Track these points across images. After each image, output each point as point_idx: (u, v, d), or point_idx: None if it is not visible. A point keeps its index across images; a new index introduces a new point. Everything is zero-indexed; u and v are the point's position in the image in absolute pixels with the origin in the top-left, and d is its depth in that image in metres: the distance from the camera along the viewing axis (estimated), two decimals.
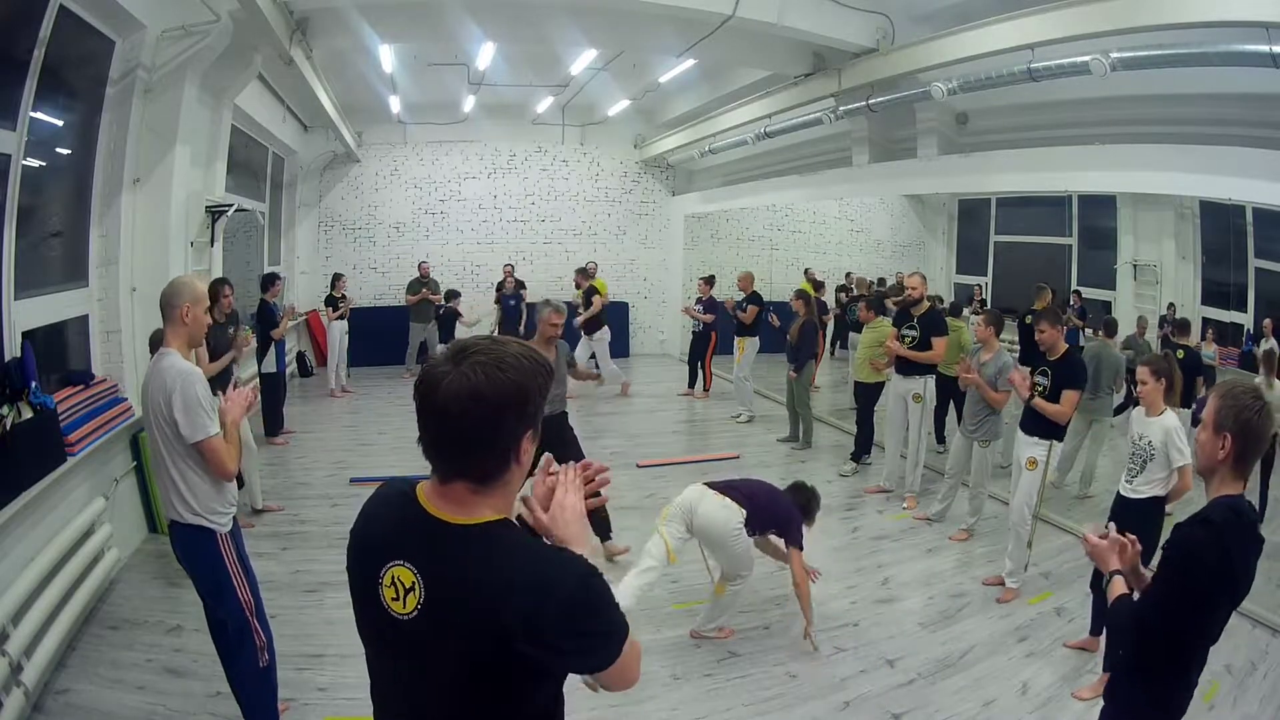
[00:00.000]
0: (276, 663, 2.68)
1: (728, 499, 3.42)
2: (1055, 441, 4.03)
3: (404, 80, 8.68)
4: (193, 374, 2.40)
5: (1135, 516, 3.13)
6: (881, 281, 9.15)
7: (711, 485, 3.52)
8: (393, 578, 1.09)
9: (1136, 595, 1.84)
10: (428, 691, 1.13)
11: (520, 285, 10.02)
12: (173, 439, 2.38)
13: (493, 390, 1.02)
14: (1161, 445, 3.20)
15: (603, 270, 11.50)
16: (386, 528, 1.15)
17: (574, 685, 1.18)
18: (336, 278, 8.79)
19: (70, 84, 3.94)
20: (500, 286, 10.10)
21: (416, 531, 1.09)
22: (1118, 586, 1.83)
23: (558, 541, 1.20)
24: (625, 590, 3.30)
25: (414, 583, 1.07)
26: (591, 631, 1.09)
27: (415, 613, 1.07)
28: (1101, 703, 2.02)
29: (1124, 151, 5.14)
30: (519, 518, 1.24)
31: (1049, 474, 4.07)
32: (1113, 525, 1.98)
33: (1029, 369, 4.22)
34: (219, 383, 4.54)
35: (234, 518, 2.60)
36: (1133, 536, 1.90)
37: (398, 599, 1.08)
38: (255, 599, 2.59)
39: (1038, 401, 3.96)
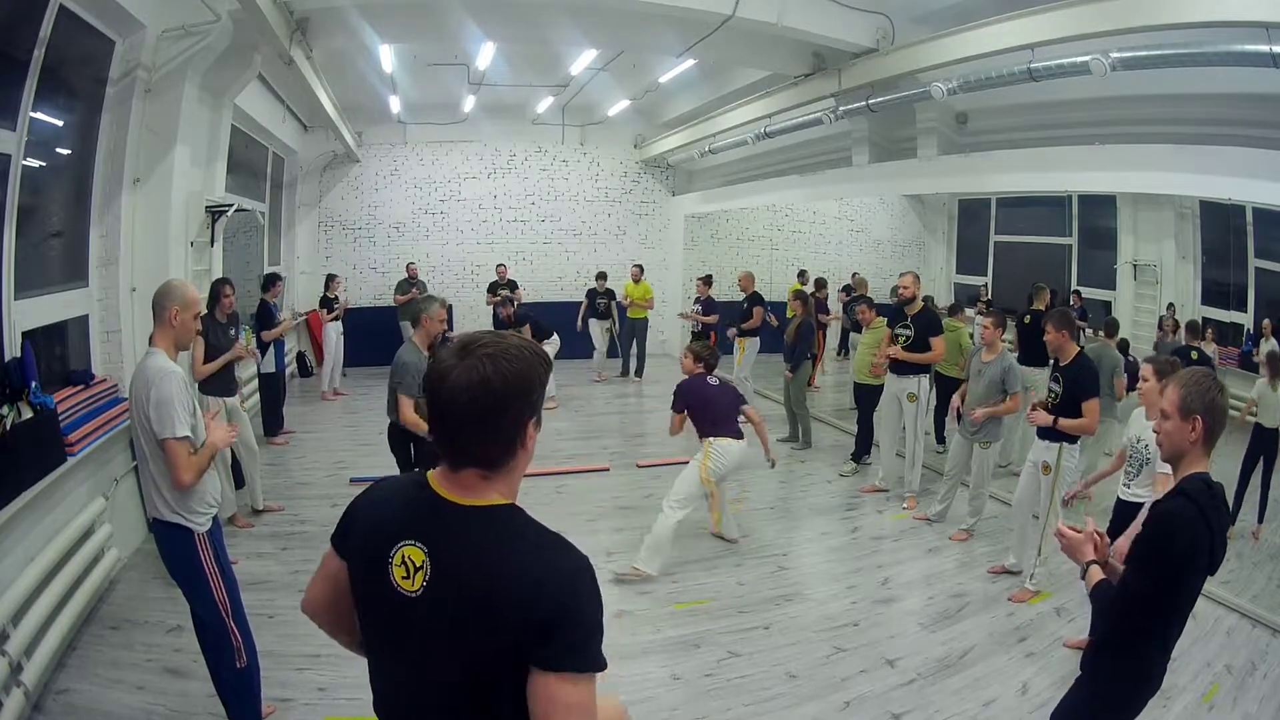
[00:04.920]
0: (258, 664, 2.68)
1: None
2: (1065, 444, 3.91)
3: (404, 80, 8.68)
4: (172, 374, 2.44)
5: (1129, 518, 3.13)
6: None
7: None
8: (403, 557, 1.12)
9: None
10: (431, 673, 1.14)
11: (514, 286, 9.99)
12: (152, 436, 2.41)
13: (500, 379, 1.08)
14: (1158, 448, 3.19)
15: (602, 270, 11.51)
16: (399, 510, 1.18)
17: None
18: (330, 278, 8.78)
19: (70, 84, 3.94)
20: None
21: (428, 512, 1.14)
22: (1095, 574, 1.94)
23: None
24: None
25: (423, 561, 1.11)
26: (581, 622, 1.10)
27: (422, 590, 1.11)
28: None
29: (1124, 151, 5.13)
30: None
31: (1064, 477, 3.95)
32: (1090, 520, 2.06)
33: (1045, 370, 4.18)
34: (219, 383, 4.55)
35: (215, 518, 2.61)
36: (1102, 530, 2.03)
37: (408, 577, 1.12)
38: (233, 600, 2.59)
39: (1063, 422, 3.82)
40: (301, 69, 5.66)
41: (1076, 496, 3.84)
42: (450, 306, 4.41)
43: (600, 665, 1.09)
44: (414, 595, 1.11)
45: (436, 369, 1.10)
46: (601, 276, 9.94)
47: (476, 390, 1.07)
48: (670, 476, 5.99)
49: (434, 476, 1.17)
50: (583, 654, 1.08)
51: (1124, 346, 5.88)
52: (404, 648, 1.16)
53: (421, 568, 1.11)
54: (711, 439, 4.29)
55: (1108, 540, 2.04)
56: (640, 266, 10.30)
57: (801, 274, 10.10)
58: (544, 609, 1.06)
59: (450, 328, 10.88)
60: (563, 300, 11.26)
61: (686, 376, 4.57)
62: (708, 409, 4.37)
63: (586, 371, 9.98)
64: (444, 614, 1.09)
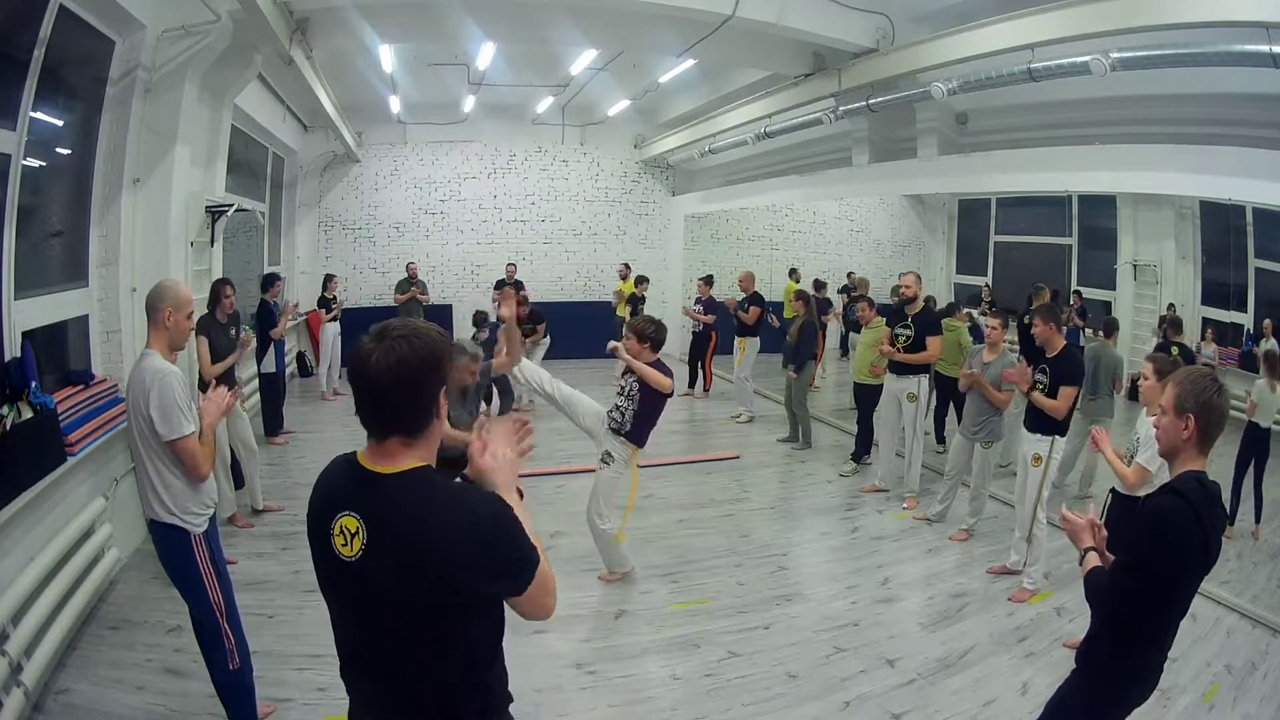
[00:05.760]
0: (252, 665, 2.68)
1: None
2: (1058, 437, 4.08)
3: (404, 80, 8.68)
4: (170, 374, 2.45)
5: (1127, 513, 3.14)
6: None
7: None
8: (341, 527, 1.29)
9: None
10: (379, 627, 1.31)
11: (520, 286, 10.00)
12: (150, 437, 2.42)
13: (414, 356, 1.26)
14: (1146, 441, 3.21)
15: (602, 270, 11.50)
16: (335, 487, 1.36)
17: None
18: (328, 279, 8.77)
19: (70, 84, 3.94)
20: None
21: (358, 484, 1.31)
22: (1092, 560, 1.97)
23: (491, 486, 1.41)
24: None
25: (358, 528, 1.27)
26: (506, 556, 1.28)
27: (360, 553, 1.27)
28: None
29: (1124, 151, 5.14)
30: (463, 475, 1.46)
31: (1052, 470, 4.11)
32: (1091, 506, 2.08)
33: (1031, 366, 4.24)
34: (222, 383, 4.54)
35: (211, 519, 2.62)
36: (1100, 521, 2.05)
37: (346, 544, 1.28)
38: (227, 602, 2.60)
39: (1035, 396, 4.04)
40: (301, 69, 5.67)
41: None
42: (485, 331, 4.53)
43: (538, 559, 1.32)
44: (353, 559, 1.27)
45: (360, 354, 1.27)
46: (642, 281, 9.71)
47: (398, 368, 1.24)
48: (672, 476, 6.04)
49: (361, 453, 1.34)
50: (530, 570, 1.30)
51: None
52: (354, 609, 1.34)
53: (357, 534, 1.27)
54: (640, 449, 4.01)
55: (1105, 532, 2.05)
56: (627, 265, 10.37)
57: (793, 272, 10.11)
58: (482, 551, 1.25)
59: (450, 329, 10.95)
60: (563, 300, 11.29)
61: (634, 359, 3.92)
62: (661, 408, 4.00)
63: (604, 372, 9.98)
64: (383, 571, 1.25)
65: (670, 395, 3.90)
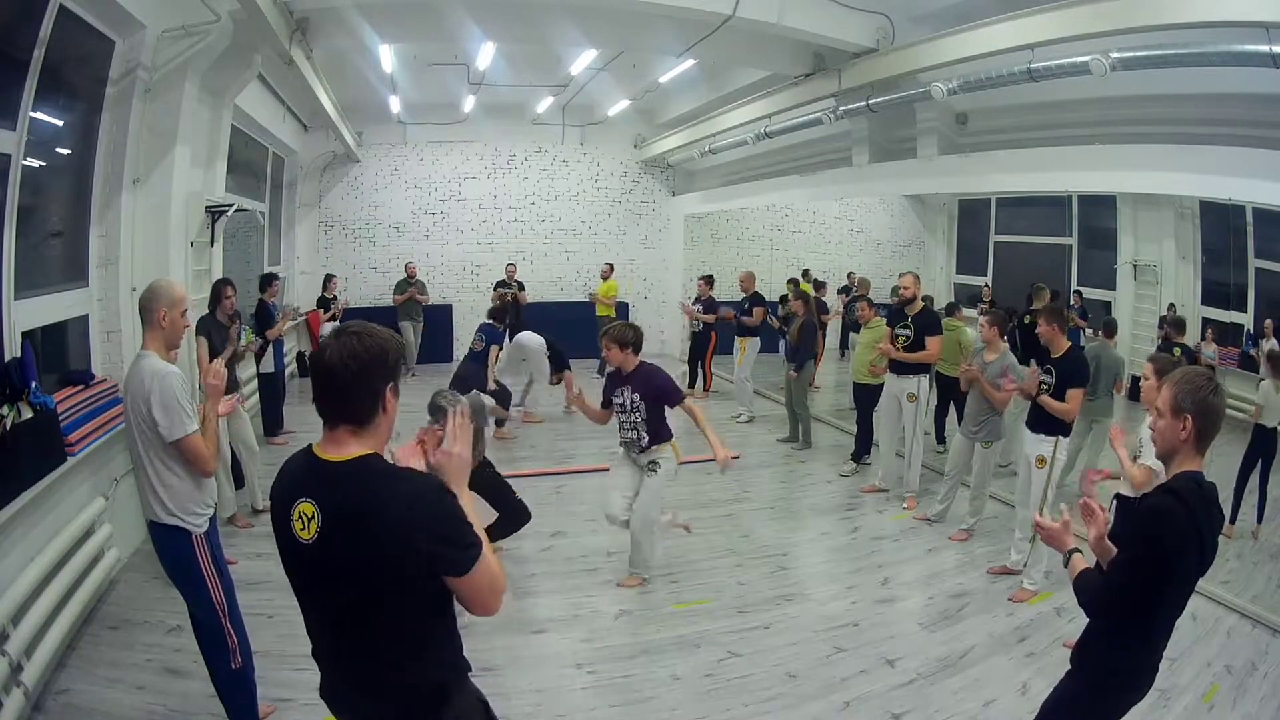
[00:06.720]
0: (253, 665, 2.69)
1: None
2: (1061, 437, 4.07)
3: (404, 80, 8.68)
4: (170, 374, 2.45)
5: (1127, 515, 3.14)
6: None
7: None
8: (299, 512, 1.40)
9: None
10: (337, 607, 1.42)
11: (520, 287, 10.03)
12: (151, 439, 2.42)
13: (364, 350, 1.39)
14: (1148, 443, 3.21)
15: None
16: (294, 475, 1.47)
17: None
18: (328, 279, 8.81)
19: (70, 84, 3.94)
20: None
21: (313, 473, 1.43)
22: (1078, 563, 1.96)
23: (444, 478, 1.48)
24: None
25: (314, 513, 1.39)
26: (450, 535, 1.37)
27: (315, 537, 1.38)
28: None
29: (1124, 151, 5.13)
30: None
31: (1056, 471, 4.10)
32: (1065, 509, 2.09)
33: (1037, 366, 4.24)
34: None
35: (211, 518, 2.62)
36: (1100, 504, 2.04)
37: (304, 528, 1.40)
38: (229, 601, 2.60)
39: (1043, 399, 4.02)
40: (301, 69, 5.67)
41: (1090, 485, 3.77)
42: None
43: (480, 549, 1.39)
44: (309, 542, 1.38)
45: (319, 349, 1.42)
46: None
47: (348, 360, 1.38)
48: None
49: (316, 444, 1.46)
50: (470, 551, 1.38)
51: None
52: (314, 590, 1.46)
53: (313, 518, 1.38)
54: (674, 438, 4.09)
55: (1107, 517, 2.04)
56: (610, 265, 10.44)
57: (805, 273, 10.07)
58: (423, 527, 1.33)
59: (450, 329, 10.97)
60: (562, 300, 11.30)
61: (621, 369, 3.95)
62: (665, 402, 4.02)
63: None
64: (336, 552, 1.36)
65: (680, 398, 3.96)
